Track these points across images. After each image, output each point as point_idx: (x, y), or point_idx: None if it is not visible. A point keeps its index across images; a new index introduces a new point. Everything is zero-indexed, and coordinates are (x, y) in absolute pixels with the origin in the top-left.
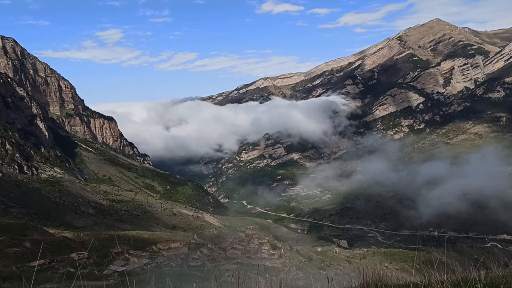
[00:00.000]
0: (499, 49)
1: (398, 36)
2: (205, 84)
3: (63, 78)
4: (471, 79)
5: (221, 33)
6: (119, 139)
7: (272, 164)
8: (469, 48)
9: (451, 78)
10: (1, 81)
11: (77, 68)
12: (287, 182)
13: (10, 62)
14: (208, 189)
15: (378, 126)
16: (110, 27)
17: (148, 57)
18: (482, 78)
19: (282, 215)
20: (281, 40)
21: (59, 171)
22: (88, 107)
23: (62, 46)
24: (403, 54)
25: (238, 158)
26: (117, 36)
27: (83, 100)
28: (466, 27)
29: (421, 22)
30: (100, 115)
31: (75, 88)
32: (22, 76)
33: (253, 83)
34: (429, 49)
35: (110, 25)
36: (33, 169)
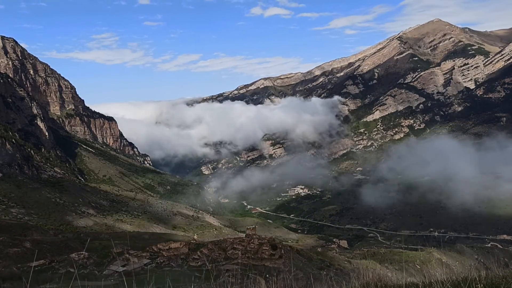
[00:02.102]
0: (499, 49)
1: (398, 36)
2: (207, 85)
3: (63, 78)
4: (471, 79)
5: (218, 36)
6: (119, 139)
7: (272, 164)
8: (469, 48)
9: (451, 78)
10: (1, 81)
11: (81, 69)
12: (287, 182)
13: (10, 62)
14: (208, 189)
15: (378, 126)
16: (105, 30)
17: (151, 57)
18: (482, 78)
19: (282, 215)
20: (277, 42)
21: (59, 171)
22: (88, 107)
23: (65, 47)
24: (404, 54)
25: (238, 158)
26: (113, 39)
27: (83, 100)
28: (466, 27)
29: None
30: (100, 115)
31: (75, 88)
32: (23, 76)
33: (253, 83)
34: (429, 49)
35: (105, 28)
36: (33, 169)
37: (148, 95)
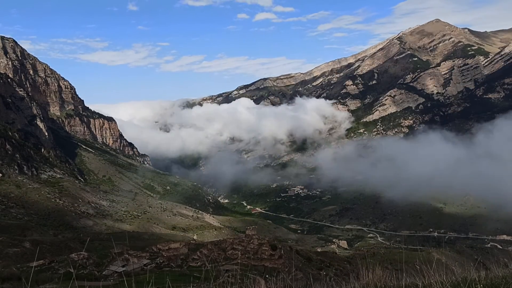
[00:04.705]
0: (499, 50)
1: (398, 36)
2: (209, 85)
3: (63, 78)
4: (471, 79)
5: (212, 38)
6: (119, 140)
7: (272, 164)
8: (469, 48)
9: (451, 79)
10: (1, 81)
11: (84, 69)
12: (287, 182)
13: (10, 62)
14: (208, 190)
15: (378, 126)
16: (100, 33)
17: (155, 58)
18: (482, 79)
19: (282, 215)
20: (275, 44)
21: (59, 171)
22: (88, 107)
23: (69, 48)
24: (403, 55)
25: (238, 158)
26: (108, 42)
27: (83, 100)
28: (466, 28)
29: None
30: (100, 115)
31: (75, 89)
32: (22, 77)
33: (253, 83)
34: (429, 49)
35: (100, 31)
36: (33, 169)
37: (148, 95)
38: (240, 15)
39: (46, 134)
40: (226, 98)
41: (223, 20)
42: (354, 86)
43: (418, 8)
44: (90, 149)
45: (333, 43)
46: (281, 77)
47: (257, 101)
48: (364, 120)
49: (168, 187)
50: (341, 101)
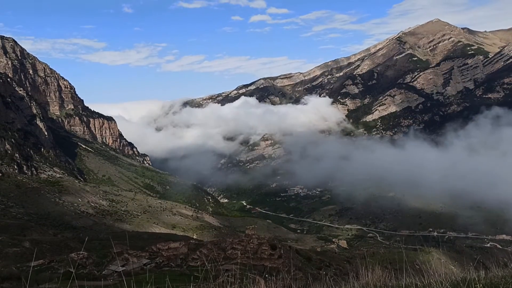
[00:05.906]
0: (499, 50)
1: (397, 36)
2: (210, 85)
3: (62, 78)
4: (470, 79)
5: (209, 39)
6: (118, 139)
7: (271, 164)
8: (468, 48)
9: (451, 79)
10: (1, 81)
11: (85, 69)
12: (287, 182)
13: (9, 62)
14: (208, 189)
15: (378, 126)
16: (97, 34)
17: (156, 58)
18: (481, 79)
19: (282, 215)
20: (274, 44)
21: (58, 171)
22: (87, 107)
23: (70, 48)
24: (403, 55)
25: (237, 158)
26: (104, 44)
27: (82, 100)
28: (465, 28)
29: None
30: (100, 115)
31: (74, 88)
32: (22, 76)
33: (252, 83)
34: (428, 49)
35: (97, 32)
36: (33, 169)
37: (149, 95)
38: (234, 17)
39: (46, 133)
40: (226, 97)
41: (218, 22)
42: (354, 86)
43: (412, 9)
44: (90, 149)
45: (328, 43)
46: (281, 77)
47: (257, 101)
48: (364, 119)
49: (168, 187)
50: (341, 100)
